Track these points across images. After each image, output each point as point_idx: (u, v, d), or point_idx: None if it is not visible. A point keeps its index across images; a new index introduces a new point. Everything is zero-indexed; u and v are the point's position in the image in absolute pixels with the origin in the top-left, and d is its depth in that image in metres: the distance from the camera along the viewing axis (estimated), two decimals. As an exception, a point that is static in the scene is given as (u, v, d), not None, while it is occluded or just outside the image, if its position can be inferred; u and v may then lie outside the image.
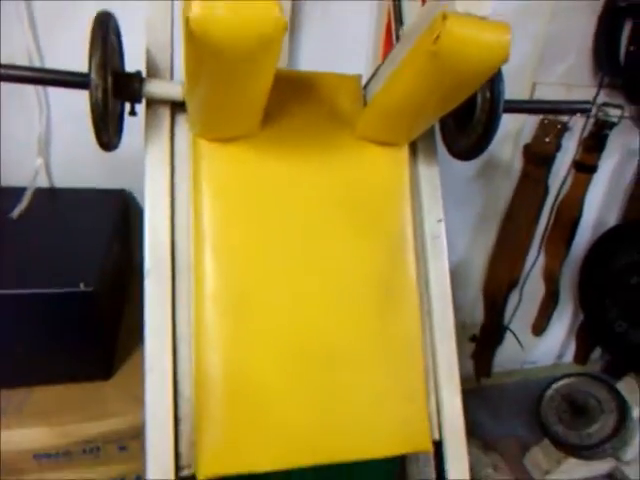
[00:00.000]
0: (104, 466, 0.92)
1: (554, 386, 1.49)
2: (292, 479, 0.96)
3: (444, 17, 0.52)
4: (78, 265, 0.87)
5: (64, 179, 1.16)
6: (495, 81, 0.74)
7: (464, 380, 1.88)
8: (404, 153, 0.81)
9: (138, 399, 0.90)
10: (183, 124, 0.77)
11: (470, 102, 0.76)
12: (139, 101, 0.71)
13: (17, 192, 1.04)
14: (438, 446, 0.82)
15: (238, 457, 0.71)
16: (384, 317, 0.77)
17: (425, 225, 0.84)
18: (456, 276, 1.61)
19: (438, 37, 0.52)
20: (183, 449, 0.72)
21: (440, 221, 0.85)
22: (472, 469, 1.49)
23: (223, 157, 0.74)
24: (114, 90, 0.66)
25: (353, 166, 0.79)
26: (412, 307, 0.79)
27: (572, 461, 1.45)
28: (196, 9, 0.47)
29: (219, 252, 0.73)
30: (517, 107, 0.85)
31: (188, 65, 0.57)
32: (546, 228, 1.50)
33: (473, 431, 1.64)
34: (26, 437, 0.84)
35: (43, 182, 1.13)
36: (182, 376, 0.73)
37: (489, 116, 0.75)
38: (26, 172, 1.09)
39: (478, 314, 1.69)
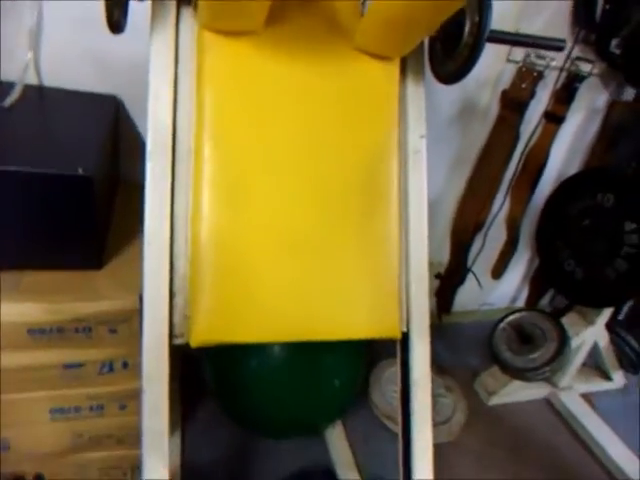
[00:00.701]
0: (95, 348, 0.98)
1: (506, 319, 1.63)
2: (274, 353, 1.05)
3: None
4: (76, 152, 0.90)
5: (53, 78, 1.16)
6: (484, 7, 0.79)
7: (425, 315, 1.98)
8: (396, 68, 0.87)
9: (128, 287, 0.96)
10: (188, 18, 0.80)
11: (458, 29, 0.82)
12: (147, -16, 0.74)
13: (6, 86, 1.04)
14: (404, 339, 0.93)
15: (226, 329, 0.79)
16: (366, 215, 0.85)
17: (409, 139, 0.91)
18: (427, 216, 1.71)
19: None
20: (177, 320, 0.79)
21: (422, 137, 0.92)
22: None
23: (227, 50, 0.78)
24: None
25: (348, 74, 0.84)
26: (391, 212, 0.87)
27: (515, 384, 1.62)
28: None
29: (218, 140, 0.78)
30: (501, 37, 0.91)
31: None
32: (514, 174, 1.61)
33: (431, 359, 1.78)
34: (21, 311, 0.88)
35: (32, 80, 1.13)
36: (178, 254, 0.79)
37: (476, 39, 0.81)
38: (15, 66, 1.09)
39: (444, 254, 1.81)
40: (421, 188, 0.91)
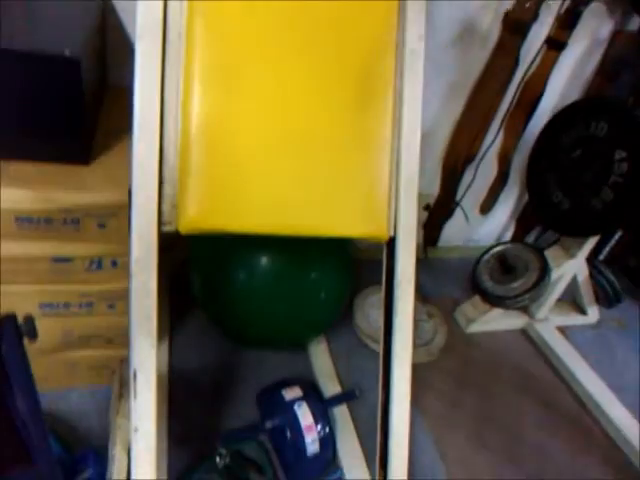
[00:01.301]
0: (83, 242, 0.98)
1: (492, 250, 1.67)
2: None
3: None
4: (64, 35, 0.86)
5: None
6: None
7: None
8: (397, -40, 0.84)
9: (117, 182, 0.96)
10: None
11: None
12: None
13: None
14: (391, 245, 0.94)
15: (214, 217, 0.80)
16: (360, 112, 0.84)
17: (406, 39, 0.88)
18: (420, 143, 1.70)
19: None
20: (165, 208, 0.79)
21: (420, 37, 0.89)
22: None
23: None
24: None
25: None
26: (386, 109, 0.86)
27: (494, 313, 1.67)
28: None
29: (211, 24, 0.76)
30: None
31: None
32: (510, 104, 1.59)
33: (415, 292, 1.83)
34: (8, 198, 0.87)
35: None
36: (167, 144, 0.78)
37: None
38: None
39: (435, 186, 1.81)
40: (416, 89, 0.89)
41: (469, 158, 1.70)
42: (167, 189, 0.79)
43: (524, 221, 1.99)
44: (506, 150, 1.72)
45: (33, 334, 0.47)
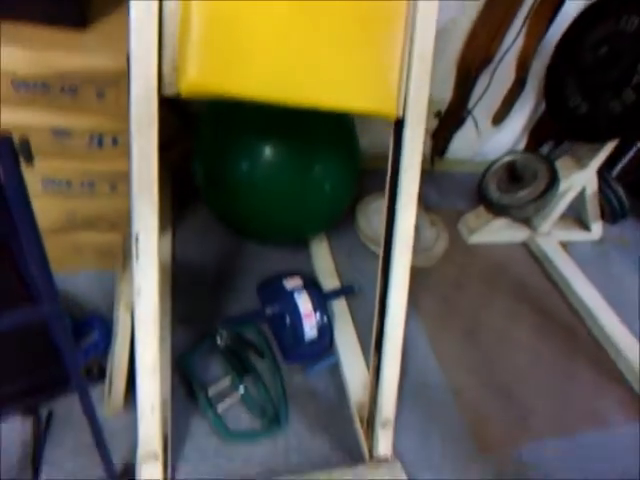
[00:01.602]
0: (82, 113, 0.95)
1: (501, 160, 1.63)
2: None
3: None
4: None
5: None
6: None
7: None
8: None
9: (115, 47, 0.91)
10: None
11: None
12: None
13: None
14: (399, 127, 0.91)
15: (216, 79, 0.76)
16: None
17: None
18: (436, 41, 1.60)
19: None
20: (166, 68, 0.75)
21: None
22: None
23: None
24: None
25: None
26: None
27: (497, 224, 1.67)
28: None
29: None
30: None
31: None
32: (533, 4, 1.48)
33: (418, 200, 1.81)
34: (5, 57, 0.84)
35: None
36: (167, 8, 0.72)
37: None
38: None
39: (447, 92, 1.74)
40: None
41: (486, 60, 1.61)
42: (167, 52, 0.75)
43: (537, 134, 1.93)
44: (526, 53, 1.63)
45: (29, 157, 0.46)
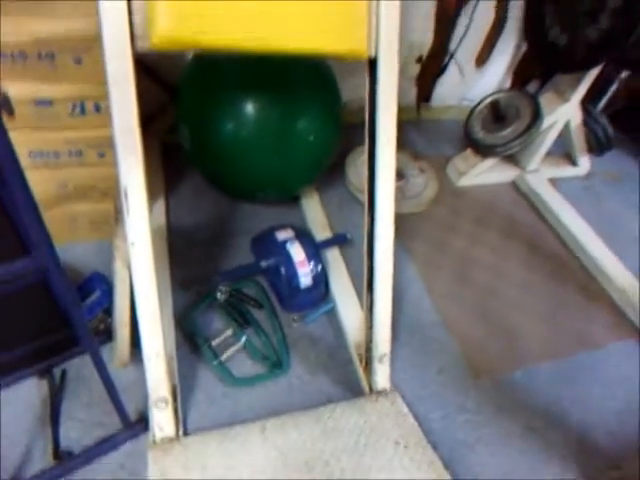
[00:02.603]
0: (60, 81, 0.97)
1: (485, 101, 1.63)
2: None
3: None
4: None
5: None
6: None
7: (405, 110, 2.00)
8: None
9: (88, 12, 0.89)
10: None
11: None
12: None
13: None
14: (373, 66, 0.92)
15: (188, 29, 0.77)
16: None
17: None
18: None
19: None
20: (137, 22, 0.76)
21: None
22: (400, 169, 1.70)
23: None
24: None
25: None
26: None
27: (485, 165, 1.69)
28: None
29: None
30: None
31: None
32: None
33: (407, 148, 1.83)
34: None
35: None
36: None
37: None
38: None
39: (427, 35, 1.72)
40: None
41: None
42: (136, 4, 0.76)
43: (521, 73, 1.92)
44: (504, -11, 1.61)
45: (10, 110, 0.49)
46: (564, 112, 1.58)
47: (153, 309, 0.83)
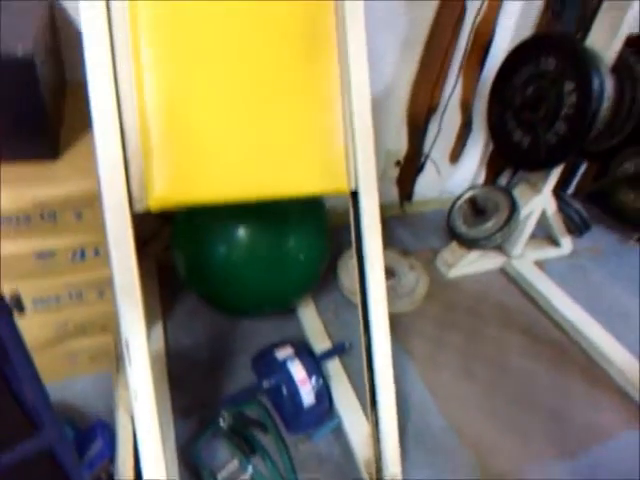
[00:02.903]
0: (63, 234, 1.02)
1: (463, 196, 1.73)
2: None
3: None
4: (14, 35, 0.88)
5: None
6: None
7: (389, 207, 2.09)
8: None
9: (88, 174, 0.99)
10: None
11: None
12: None
13: None
14: (355, 197, 0.99)
15: (181, 190, 0.84)
16: (307, 70, 0.88)
17: (344, -3, 0.92)
18: (382, 103, 1.73)
19: None
20: (134, 187, 0.83)
21: (357, -6, 0.93)
22: (391, 267, 1.74)
23: None
24: None
25: None
26: (332, 65, 0.91)
27: (472, 256, 1.74)
28: None
29: (155, 4, 0.78)
30: None
31: None
32: (464, 53, 1.63)
33: (395, 244, 1.90)
34: (-15, 200, 0.92)
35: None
36: (127, 124, 0.81)
37: None
38: None
39: (402, 142, 1.85)
40: (360, 43, 0.93)
41: (432, 110, 1.73)
42: (133, 169, 0.83)
43: (493, 165, 2.04)
44: (466, 97, 1.76)
45: (21, 307, 0.52)
46: (538, 202, 1.66)
47: (157, 464, 0.82)
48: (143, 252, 1.31)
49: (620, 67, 1.36)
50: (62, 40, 1.25)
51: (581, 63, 1.31)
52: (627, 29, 1.34)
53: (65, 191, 0.96)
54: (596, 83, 1.28)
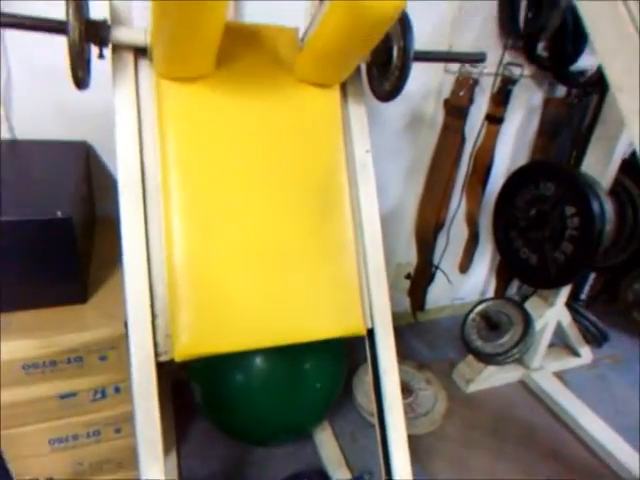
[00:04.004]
0: (87, 376, 1.04)
1: (475, 310, 1.74)
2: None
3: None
4: (54, 197, 0.97)
5: (24, 131, 1.23)
6: (406, 33, 0.90)
7: (402, 316, 2.11)
8: (336, 93, 0.98)
9: (114, 316, 1.04)
10: (145, 68, 0.89)
11: (388, 54, 0.94)
12: (106, 45, 0.83)
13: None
14: (371, 333, 1.02)
15: (206, 342, 0.87)
16: (323, 225, 0.95)
17: (355, 154, 1.01)
18: (390, 221, 1.82)
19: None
20: (160, 339, 0.87)
21: (368, 152, 1.03)
22: (408, 383, 1.73)
23: (183, 93, 0.88)
24: (85, 35, 0.77)
25: (294, 102, 0.95)
26: (345, 219, 0.97)
27: (490, 369, 1.72)
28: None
29: (182, 173, 0.87)
30: (425, 56, 1.03)
31: (155, 10, 0.71)
32: (466, 174, 1.74)
33: (410, 356, 1.88)
34: (15, 349, 0.95)
35: (4, 134, 1.21)
36: (156, 279, 0.87)
37: (403, 62, 0.93)
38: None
39: (412, 255, 1.91)
40: (371, 196, 1.01)
41: (439, 226, 1.81)
42: (160, 321, 0.87)
43: (503, 273, 2.08)
44: (471, 213, 1.84)
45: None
46: (552, 315, 1.67)
47: None
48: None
49: (618, 190, 1.44)
50: (93, 177, 1.36)
51: (579, 189, 1.38)
52: (620, 155, 1.43)
53: (92, 336, 1.00)
54: (596, 207, 1.35)
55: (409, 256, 1.92)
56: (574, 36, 1.39)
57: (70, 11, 0.74)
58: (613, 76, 1.10)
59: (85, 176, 1.22)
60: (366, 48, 0.85)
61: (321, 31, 0.82)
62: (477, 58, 1.08)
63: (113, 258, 1.17)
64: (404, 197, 1.79)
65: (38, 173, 1.10)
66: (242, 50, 0.93)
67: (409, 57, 0.92)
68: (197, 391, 1.37)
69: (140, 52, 0.88)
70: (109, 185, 1.37)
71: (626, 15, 1.04)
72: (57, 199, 0.97)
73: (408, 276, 1.92)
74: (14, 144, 1.22)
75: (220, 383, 1.29)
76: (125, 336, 1.00)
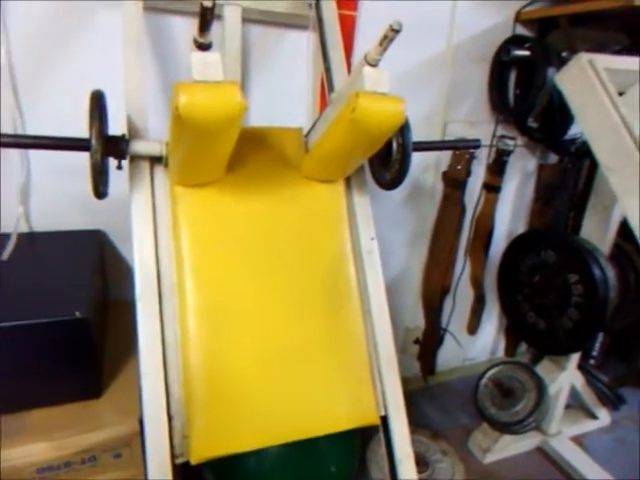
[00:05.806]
0: (100, 474, 1.03)
1: (486, 375, 1.72)
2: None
3: (357, 95, 0.74)
4: (70, 297, 1.00)
5: (41, 224, 1.28)
6: (404, 131, 0.96)
7: (412, 380, 2.10)
8: (341, 187, 1.03)
9: (127, 411, 1.04)
10: (160, 174, 0.95)
11: (388, 147, 0.99)
12: (125, 158, 0.89)
13: (0, 238, 1.17)
14: (385, 420, 1.02)
15: (222, 443, 0.88)
16: (333, 317, 0.97)
17: (361, 242, 1.05)
18: (397, 286, 1.84)
19: (354, 109, 0.74)
20: (177, 441, 0.87)
21: (373, 239, 1.06)
22: (423, 455, 1.69)
23: (196, 198, 0.92)
24: (106, 151, 0.83)
25: (301, 199, 0.99)
26: (355, 308, 1.00)
27: (507, 438, 1.68)
28: (182, 96, 0.67)
29: (197, 275, 0.91)
30: (423, 147, 1.09)
31: (173, 133, 0.76)
32: (468, 240, 1.77)
33: (423, 423, 1.85)
34: (30, 452, 0.95)
35: (23, 227, 1.26)
36: (172, 380, 0.88)
37: (402, 156, 0.98)
38: (6, 218, 1.22)
39: (419, 318, 1.92)
40: (378, 282, 1.04)
41: (445, 290, 1.83)
42: (176, 422, 0.88)
43: (511, 333, 2.08)
44: (476, 277, 1.86)
45: None
46: (565, 378, 1.66)
47: None
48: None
49: (619, 255, 1.47)
50: (107, 262, 1.40)
51: (580, 256, 1.41)
52: (617, 222, 1.47)
53: (107, 435, 1.00)
54: (598, 274, 1.37)
55: (417, 319, 1.92)
56: (562, 112, 1.46)
57: (93, 133, 0.80)
58: (601, 157, 1.16)
59: (99, 265, 1.26)
60: (369, 153, 0.91)
61: (326, 139, 0.88)
62: (472, 145, 1.14)
63: (128, 342, 1.20)
64: (409, 263, 1.82)
65: (54, 267, 1.13)
66: (250, 152, 0.99)
67: (408, 152, 0.98)
68: (209, 475, 1.34)
69: (156, 161, 0.94)
70: (122, 269, 1.41)
71: (609, 103, 1.11)
72: (73, 296, 1.00)
73: (417, 341, 1.91)
74: (31, 237, 1.26)
75: (234, 469, 1.27)
76: (140, 433, 1.01)
